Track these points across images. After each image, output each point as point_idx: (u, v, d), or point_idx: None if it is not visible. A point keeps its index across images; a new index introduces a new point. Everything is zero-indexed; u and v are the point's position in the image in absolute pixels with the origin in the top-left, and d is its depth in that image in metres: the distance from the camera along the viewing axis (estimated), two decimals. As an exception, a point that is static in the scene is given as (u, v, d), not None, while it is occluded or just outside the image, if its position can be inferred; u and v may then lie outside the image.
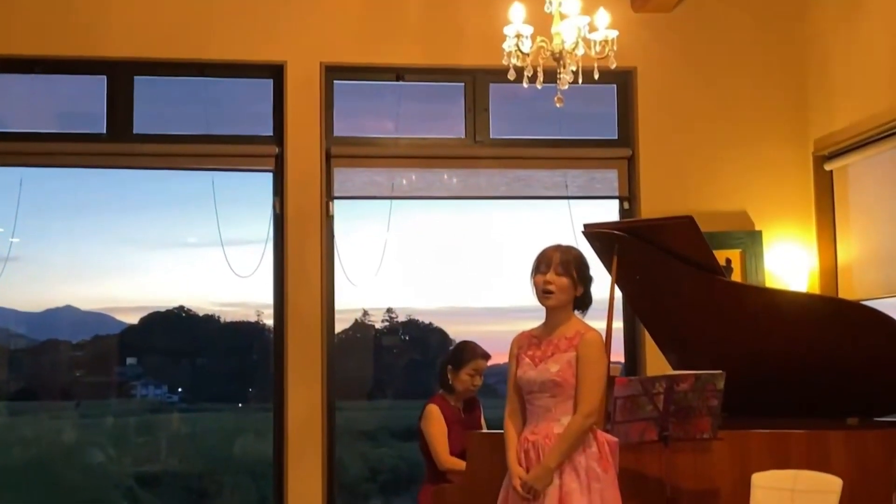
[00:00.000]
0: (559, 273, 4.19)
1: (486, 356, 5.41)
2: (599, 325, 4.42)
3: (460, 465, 5.08)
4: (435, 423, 5.25)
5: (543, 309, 4.29)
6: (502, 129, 7.19)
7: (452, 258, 7.53)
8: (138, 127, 6.84)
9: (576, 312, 4.29)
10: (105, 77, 6.83)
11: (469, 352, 5.39)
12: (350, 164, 6.96)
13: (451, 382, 5.35)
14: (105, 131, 6.80)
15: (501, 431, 4.31)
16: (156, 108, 6.95)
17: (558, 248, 4.26)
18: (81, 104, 6.95)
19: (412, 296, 7.66)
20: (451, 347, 5.62)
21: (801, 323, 5.07)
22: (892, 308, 5.32)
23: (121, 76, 6.84)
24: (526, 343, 4.29)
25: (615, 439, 4.23)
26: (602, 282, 4.90)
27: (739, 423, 4.89)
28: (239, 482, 7.49)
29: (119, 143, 6.77)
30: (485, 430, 5.35)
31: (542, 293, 4.21)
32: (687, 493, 4.64)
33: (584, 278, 4.25)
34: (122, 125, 6.81)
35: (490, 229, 7.46)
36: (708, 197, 7.07)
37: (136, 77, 6.86)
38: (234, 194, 7.13)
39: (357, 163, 6.98)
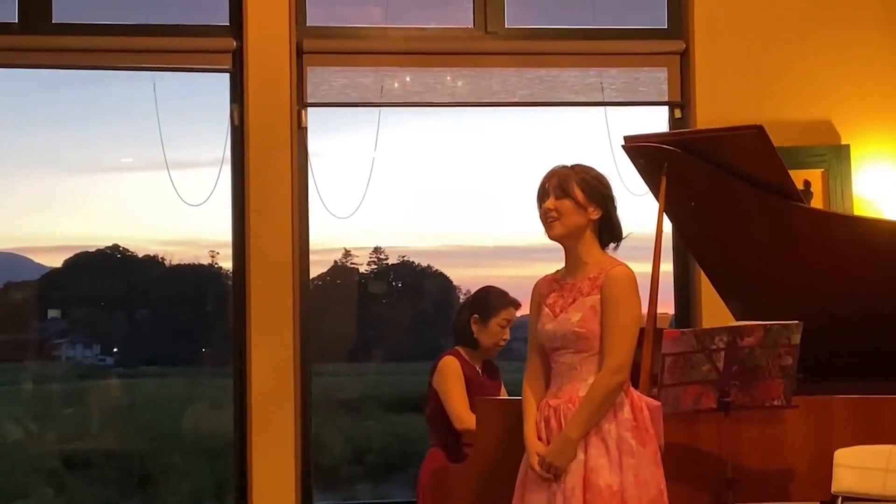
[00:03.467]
0: (558, 196, 4.20)
1: (517, 304, 5.54)
2: (644, 266, 4.47)
3: None
4: (453, 377, 5.35)
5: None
6: (520, 16, 7.19)
7: (457, 183, 7.55)
8: (58, 15, 6.85)
9: (610, 249, 4.29)
10: (16, -48, 6.86)
11: (498, 297, 5.54)
12: (327, 61, 6.99)
13: (475, 336, 5.48)
14: (17, 20, 6.82)
15: (518, 398, 4.36)
16: (81, -9, 6.95)
17: (555, 170, 4.27)
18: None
19: (406, 231, 7.74)
20: (466, 297, 5.75)
21: (900, 260, 5.15)
22: None
23: (36, -50, 6.88)
24: (547, 289, 4.32)
25: (657, 403, 4.25)
26: (648, 211, 5.02)
27: (820, 386, 4.89)
28: (190, 464, 7.54)
29: (34, 34, 6.80)
30: (498, 397, 5.43)
31: (545, 223, 4.24)
32: (752, 473, 4.66)
33: (595, 197, 4.22)
34: (39, 13, 6.82)
35: (505, 145, 7.45)
36: (781, 102, 7.08)
37: (55, -48, 6.89)
38: (181, 102, 7.16)
39: (336, 60, 7.01)
